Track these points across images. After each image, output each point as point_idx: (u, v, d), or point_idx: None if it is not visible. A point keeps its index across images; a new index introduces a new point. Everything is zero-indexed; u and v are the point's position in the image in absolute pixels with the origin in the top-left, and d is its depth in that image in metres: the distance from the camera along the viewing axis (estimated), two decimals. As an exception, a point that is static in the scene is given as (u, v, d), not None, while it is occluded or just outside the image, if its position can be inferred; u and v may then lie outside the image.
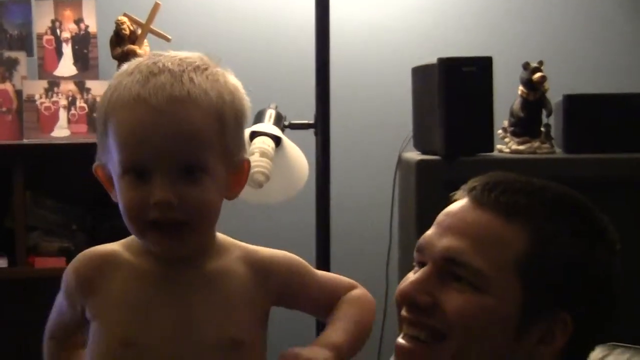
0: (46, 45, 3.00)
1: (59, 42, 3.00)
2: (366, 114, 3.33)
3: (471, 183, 1.36)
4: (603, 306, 1.33)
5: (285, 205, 2.87)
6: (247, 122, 1.37)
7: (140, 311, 1.32)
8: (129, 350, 1.31)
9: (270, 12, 3.27)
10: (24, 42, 3.03)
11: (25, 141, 2.91)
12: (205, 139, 1.27)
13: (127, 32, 2.93)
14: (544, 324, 1.29)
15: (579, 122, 2.76)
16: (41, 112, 2.93)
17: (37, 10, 3.01)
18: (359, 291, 1.43)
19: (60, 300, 1.44)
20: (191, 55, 1.32)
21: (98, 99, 2.92)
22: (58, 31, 3.00)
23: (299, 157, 2.60)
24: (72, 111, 2.94)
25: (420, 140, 2.83)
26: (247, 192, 1.41)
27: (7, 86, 2.95)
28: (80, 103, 2.94)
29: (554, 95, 2.80)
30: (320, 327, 2.51)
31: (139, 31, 2.95)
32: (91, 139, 2.90)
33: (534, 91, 2.77)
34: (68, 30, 3.01)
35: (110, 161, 1.30)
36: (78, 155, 2.96)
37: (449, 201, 1.38)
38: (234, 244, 1.39)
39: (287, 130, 2.65)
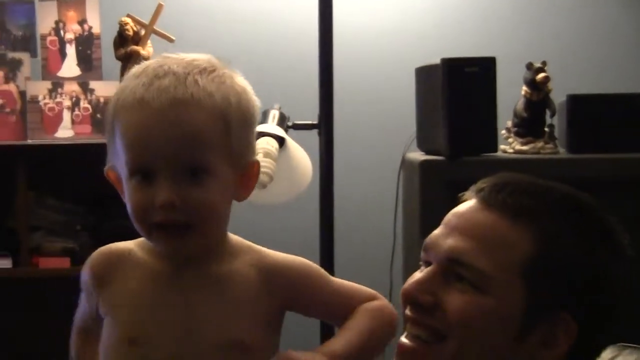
0: (50, 46, 3.00)
1: (62, 43, 3.00)
2: (370, 115, 3.32)
3: (480, 184, 1.36)
4: (609, 310, 1.32)
5: (289, 206, 2.88)
6: (256, 124, 1.36)
7: (148, 310, 1.33)
8: (136, 347, 1.32)
9: (273, 13, 3.27)
10: (28, 43, 3.03)
11: (29, 142, 2.92)
12: (209, 140, 1.27)
13: (131, 32, 2.94)
14: (546, 326, 1.28)
15: (583, 122, 2.75)
16: (45, 112, 2.93)
17: (41, 11, 3.01)
18: (378, 302, 1.41)
19: (82, 295, 1.46)
20: (200, 57, 1.32)
21: (102, 100, 2.93)
22: (62, 32, 3.01)
23: (302, 157, 2.60)
24: (76, 112, 2.94)
25: (424, 141, 2.83)
26: (251, 193, 1.41)
27: (11, 87, 2.95)
28: (83, 104, 2.95)
29: (558, 95, 2.80)
30: (325, 333, 2.52)
31: (143, 32, 2.95)
32: (95, 139, 2.91)
33: (538, 91, 2.76)
34: (72, 31, 3.01)
35: (118, 163, 1.31)
36: (81, 155, 2.99)
37: (458, 201, 1.37)
38: (247, 247, 1.38)
39: (291, 130, 2.65)
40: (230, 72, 1.33)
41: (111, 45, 2.96)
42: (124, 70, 2.95)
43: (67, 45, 3.00)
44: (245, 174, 1.34)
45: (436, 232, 1.36)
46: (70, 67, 3.00)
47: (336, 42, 2.67)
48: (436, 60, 2.66)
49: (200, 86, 1.27)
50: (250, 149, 1.35)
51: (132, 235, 1.43)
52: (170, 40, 2.92)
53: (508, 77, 2.80)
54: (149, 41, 2.95)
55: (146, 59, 2.91)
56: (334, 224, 2.68)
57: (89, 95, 2.95)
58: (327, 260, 2.61)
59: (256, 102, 1.35)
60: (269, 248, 1.40)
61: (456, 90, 2.60)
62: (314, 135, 2.68)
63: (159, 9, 2.93)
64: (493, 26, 3.35)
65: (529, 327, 1.27)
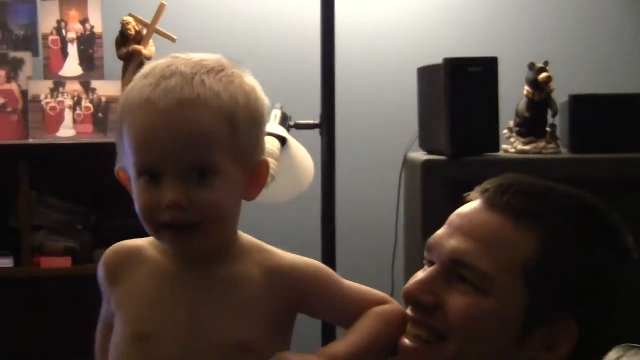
0: (52, 46, 3.00)
1: (64, 42, 3.00)
2: (372, 114, 3.32)
3: (485, 185, 1.35)
4: (611, 312, 1.31)
5: (291, 206, 2.88)
6: (266, 124, 1.36)
7: (155, 307, 1.34)
8: (142, 344, 1.33)
9: (275, 13, 3.27)
10: (30, 42, 3.03)
11: (30, 141, 2.92)
12: (216, 141, 1.27)
13: (133, 32, 2.93)
14: (548, 328, 1.27)
15: (585, 122, 2.75)
16: (47, 112, 2.93)
17: (43, 11, 3.01)
18: (387, 306, 1.40)
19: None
20: (209, 57, 1.32)
21: (103, 99, 2.93)
22: (64, 31, 3.01)
23: (304, 157, 2.60)
24: (78, 111, 2.94)
25: (426, 141, 2.83)
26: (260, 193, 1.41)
27: (13, 86, 2.95)
28: (85, 103, 2.95)
29: (560, 95, 2.80)
30: (326, 334, 2.52)
31: (145, 31, 2.95)
32: (97, 139, 2.91)
33: (540, 91, 2.76)
34: (73, 30, 3.01)
35: (127, 164, 1.31)
36: (83, 155, 3.01)
37: (463, 201, 1.37)
38: (257, 247, 1.38)
39: (293, 130, 2.65)
40: (240, 72, 1.33)
41: (113, 45, 2.96)
42: (125, 69, 2.95)
43: (69, 45, 3.00)
44: (255, 173, 1.34)
45: (440, 232, 1.35)
46: (72, 67, 3.00)
47: (338, 41, 2.67)
48: (438, 60, 2.66)
49: (207, 86, 1.27)
50: (259, 148, 1.35)
51: (133, 235, 1.44)
52: (172, 40, 2.92)
53: (510, 77, 2.80)
54: (151, 41, 2.95)
55: (148, 58, 2.92)
56: (335, 224, 2.68)
57: (90, 94, 2.95)
58: (329, 260, 2.60)
59: (265, 101, 1.35)
60: (293, 254, 1.40)
61: (458, 90, 2.60)
62: (316, 135, 2.68)
63: (161, 8, 2.93)
64: (495, 26, 3.35)
65: (531, 329, 1.27)
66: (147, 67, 1.32)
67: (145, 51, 2.93)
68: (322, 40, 2.66)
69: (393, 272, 3.07)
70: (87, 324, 3.26)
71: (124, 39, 2.95)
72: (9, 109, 2.94)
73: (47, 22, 3.01)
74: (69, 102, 2.94)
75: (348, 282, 1.42)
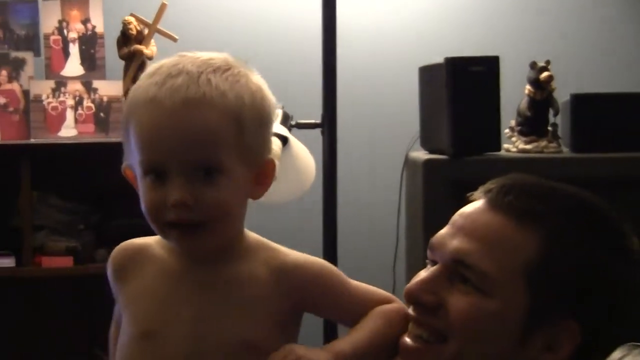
0: (53, 46, 3.00)
1: (66, 42, 3.00)
2: (373, 114, 3.32)
3: (489, 184, 1.35)
4: (614, 315, 1.30)
5: (292, 205, 2.88)
6: (272, 122, 1.36)
7: (161, 305, 1.34)
8: (147, 342, 1.33)
9: (277, 12, 3.27)
10: (31, 42, 3.03)
11: (32, 141, 2.92)
12: (221, 140, 1.27)
13: (134, 32, 2.94)
14: (550, 330, 1.27)
15: (586, 121, 2.75)
16: (48, 112, 2.93)
17: (44, 11, 3.01)
18: (392, 305, 1.40)
19: None
20: (215, 56, 1.32)
21: (105, 99, 2.93)
22: (65, 31, 3.01)
23: (306, 156, 2.60)
24: (79, 111, 2.94)
25: (428, 140, 2.83)
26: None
27: (14, 86, 2.96)
28: (87, 103, 2.95)
29: (561, 94, 2.80)
30: (328, 332, 2.52)
31: (146, 31, 2.95)
32: (98, 138, 2.92)
33: (541, 90, 2.76)
34: (75, 30, 3.01)
35: (134, 162, 1.31)
36: (85, 154, 3.01)
37: (466, 201, 1.36)
38: (263, 245, 1.38)
39: (294, 129, 2.65)
40: (246, 70, 1.33)
41: (114, 45, 2.96)
42: (127, 69, 2.96)
43: (71, 45, 3.01)
44: (261, 172, 1.34)
45: (442, 231, 1.35)
46: (73, 66, 3.01)
47: (339, 40, 2.67)
48: (440, 59, 2.65)
49: (213, 85, 1.27)
50: (265, 147, 1.35)
51: (135, 235, 1.44)
52: (174, 40, 2.93)
53: (512, 76, 2.80)
54: (152, 40, 2.96)
55: (149, 58, 2.93)
56: (337, 223, 2.68)
57: (92, 94, 2.95)
58: (330, 259, 2.59)
59: (272, 100, 1.35)
60: (299, 252, 1.40)
61: (460, 90, 2.60)
62: (317, 135, 2.68)
63: (162, 8, 2.93)
64: (497, 25, 3.35)
65: (532, 330, 1.26)
66: (154, 66, 1.32)
67: (146, 51, 2.93)
68: (323, 39, 2.66)
69: (394, 271, 3.07)
70: (88, 324, 3.28)
71: (126, 38, 2.95)
72: (11, 109, 2.94)
73: (48, 21, 3.01)
74: (70, 101, 2.94)
75: (354, 282, 1.42)
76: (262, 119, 1.33)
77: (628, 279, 1.30)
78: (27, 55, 2.98)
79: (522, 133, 2.81)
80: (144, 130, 1.27)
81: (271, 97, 1.35)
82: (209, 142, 1.26)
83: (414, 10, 3.32)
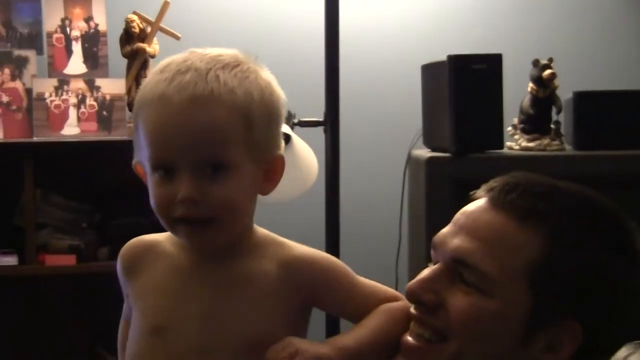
0: (56, 44, 3.00)
1: (68, 40, 3.01)
2: (376, 112, 3.32)
3: (492, 183, 1.34)
4: (617, 316, 1.29)
5: (295, 203, 2.87)
6: (282, 118, 1.36)
7: (171, 301, 1.35)
8: (158, 338, 1.34)
9: (280, 9, 3.27)
10: (34, 40, 3.03)
11: (35, 139, 2.92)
12: (229, 136, 1.27)
13: (137, 30, 2.94)
14: (551, 330, 1.26)
15: (589, 119, 2.75)
16: (51, 110, 2.93)
17: (47, 9, 3.02)
18: (397, 303, 1.40)
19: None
20: (225, 52, 1.33)
21: (108, 97, 2.93)
22: (68, 29, 3.01)
23: (308, 154, 2.60)
24: (82, 109, 2.95)
25: (430, 138, 2.83)
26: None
27: (17, 84, 2.96)
28: (89, 101, 2.95)
29: (564, 92, 2.80)
30: (330, 327, 2.52)
31: (149, 29, 2.95)
32: (101, 137, 2.92)
33: (544, 88, 2.76)
34: (78, 28, 3.01)
35: (143, 158, 1.32)
36: (88, 153, 3.01)
37: (469, 199, 1.35)
38: (272, 240, 1.39)
39: (297, 127, 2.65)
40: (256, 66, 1.34)
41: (117, 43, 2.96)
42: (129, 67, 2.96)
43: (73, 43, 3.01)
44: (270, 168, 1.35)
45: (444, 230, 1.34)
46: (76, 65, 3.01)
47: (342, 39, 2.67)
48: (442, 57, 2.65)
49: (221, 82, 1.27)
50: (274, 143, 1.35)
51: (137, 233, 1.44)
52: (177, 38, 2.93)
53: (514, 74, 2.80)
54: (155, 38, 2.96)
55: (152, 56, 2.93)
56: (339, 221, 2.68)
57: (95, 92, 2.95)
58: (333, 256, 2.60)
59: (281, 96, 1.36)
60: (308, 247, 1.40)
61: (462, 87, 2.60)
62: (319, 133, 2.68)
63: (165, 6, 2.93)
64: (499, 23, 3.35)
65: (534, 331, 1.26)
66: (164, 62, 1.33)
67: (149, 49, 2.94)
68: (326, 37, 2.66)
69: (397, 269, 3.07)
70: (90, 322, 3.28)
71: (128, 36, 2.95)
72: (14, 107, 2.94)
73: (51, 20, 3.01)
74: (73, 100, 2.94)
75: (361, 278, 1.42)
76: (271, 115, 1.33)
77: (633, 280, 1.29)
78: (30, 54, 2.99)
79: (524, 131, 2.81)
80: (152, 127, 1.28)
81: (281, 93, 1.36)
82: (217, 139, 1.27)
83: (416, 8, 3.32)
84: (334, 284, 1.38)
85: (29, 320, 3.16)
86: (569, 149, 2.79)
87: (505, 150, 2.74)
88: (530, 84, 2.79)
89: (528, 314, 1.25)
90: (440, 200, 2.51)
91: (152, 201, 1.31)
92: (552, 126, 2.80)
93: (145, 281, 1.38)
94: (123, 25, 2.95)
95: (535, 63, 2.77)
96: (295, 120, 2.65)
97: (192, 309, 1.33)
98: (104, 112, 2.94)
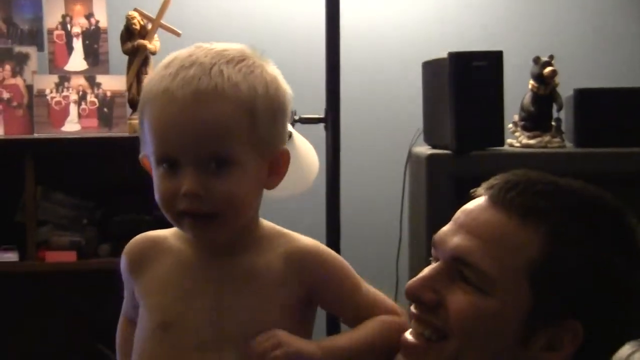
0: (57, 40, 3.00)
1: (69, 37, 3.00)
2: (376, 109, 3.32)
3: (492, 181, 1.32)
4: (619, 315, 1.27)
5: (295, 200, 2.87)
6: (287, 112, 1.35)
7: (178, 296, 1.35)
8: (165, 333, 1.34)
9: (280, 7, 3.27)
10: (35, 37, 3.03)
11: (36, 136, 2.92)
12: (233, 131, 1.27)
13: (138, 27, 2.94)
14: (552, 329, 1.25)
15: (590, 116, 2.75)
16: (52, 106, 2.93)
17: (48, 6, 3.01)
18: (395, 318, 1.41)
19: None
20: (230, 47, 1.34)
21: (108, 94, 2.93)
22: (68, 26, 3.01)
23: (309, 151, 2.60)
24: (83, 106, 2.95)
25: (431, 135, 2.83)
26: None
27: (18, 81, 2.96)
28: (90, 98, 2.95)
29: (565, 89, 2.80)
30: (330, 328, 2.52)
31: (150, 26, 2.95)
32: (102, 133, 2.92)
33: (545, 85, 2.76)
34: (78, 25, 3.01)
35: (149, 152, 1.32)
36: (88, 149, 3.01)
37: (469, 197, 1.34)
38: (278, 233, 1.40)
39: (298, 124, 2.65)
40: (261, 61, 1.34)
41: (118, 39, 2.96)
42: (130, 64, 2.95)
43: (74, 39, 3.01)
44: (275, 162, 1.35)
45: (445, 228, 1.33)
46: (77, 61, 3.01)
47: (343, 36, 2.67)
48: (443, 54, 2.65)
49: (225, 77, 1.28)
50: (279, 138, 1.35)
51: (138, 229, 1.44)
52: (177, 35, 2.92)
53: (515, 71, 2.80)
54: (155, 35, 2.95)
55: (153, 53, 2.93)
56: (340, 218, 2.68)
57: (95, 89, 2.95)
58: (334, 254, 2.60)
59: (287, 90, 1.35)
60: (316, 241, 1.41)
61: (463, 85, 2.60)
62: (320, 130, 2.68)
63: (166, 3, 2.93)
64: (500, 20, 3.34)
65: (535, 330, 1.25)
66: (170, 56, 1.33)
67: (150, 46, 2.93)
68: (327, 34, 2.66)
69: (397, 266, 3.07)
70: (91, 319, 3.28)
71: (129, 33, 2.95)
72: (14, 104, 2.94)
73: (52, 16, 3.01)
74: (74, 96, 2.94)
75: (365, 284, 1.43)
76: (277, 110, 1.33)
77: (632, 277, 1.28)
78: (31, 50, 2.99)
79: (525, 128, 2.81)
80: (156, 121, 1.28)
81: (287, 88, 1.36)
82: (220, 135, 1.27)
83: (416, 6, 3.32)
84: (336, 279, 1.39)
85: (30, 316, 3.16)
86: (569, 146, 2.79)
87: (506, 148, 2.74)
88: (531, 81, 2.79)
89: (528, 313, 1.24)
90: (441, 198, 2.51)
91: (157, 194, 1.31)
92: (553, 123, 2.80)
93: (151, 277, 1.38)
94: (124, 22, 2.95)
95: (536, 60, 2.77)
96: (296, 117, 2.64)
97: (198, 305, 1.33)
98: (105, 109, 2.94)
